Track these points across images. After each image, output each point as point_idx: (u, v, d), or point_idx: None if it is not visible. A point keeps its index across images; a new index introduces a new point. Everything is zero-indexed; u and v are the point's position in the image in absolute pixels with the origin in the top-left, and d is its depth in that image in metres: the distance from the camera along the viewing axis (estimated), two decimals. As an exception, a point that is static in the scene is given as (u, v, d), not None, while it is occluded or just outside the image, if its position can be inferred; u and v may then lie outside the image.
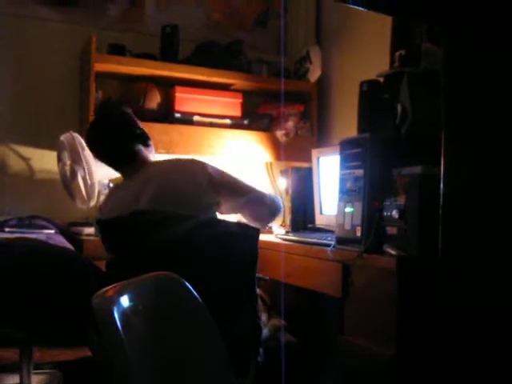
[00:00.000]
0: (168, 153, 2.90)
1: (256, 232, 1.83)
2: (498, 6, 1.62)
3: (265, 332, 2.00)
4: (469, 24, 1.66)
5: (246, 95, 3.24)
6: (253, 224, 2.05)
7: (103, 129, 2.16)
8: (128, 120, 2.19)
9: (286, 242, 2.46)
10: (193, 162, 2.08)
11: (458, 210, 1.65)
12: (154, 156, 2.20)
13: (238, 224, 1.91)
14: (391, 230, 1.88)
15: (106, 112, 2.30)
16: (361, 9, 2.07)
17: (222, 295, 1.68)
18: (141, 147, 2.13)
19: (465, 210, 1.65)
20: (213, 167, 2.05)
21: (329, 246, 2.08)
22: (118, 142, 2.13)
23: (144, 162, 2.12)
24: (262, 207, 2.10)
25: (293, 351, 2.07)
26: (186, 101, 3.03)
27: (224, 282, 1.75)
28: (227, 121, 3.13)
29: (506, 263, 1.62)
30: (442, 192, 1.63)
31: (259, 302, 2.07)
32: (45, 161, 2.94)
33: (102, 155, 2.17)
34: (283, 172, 3.12)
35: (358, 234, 1.95)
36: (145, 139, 2.16)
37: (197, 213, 1.87)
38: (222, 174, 2.06)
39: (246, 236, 1.81)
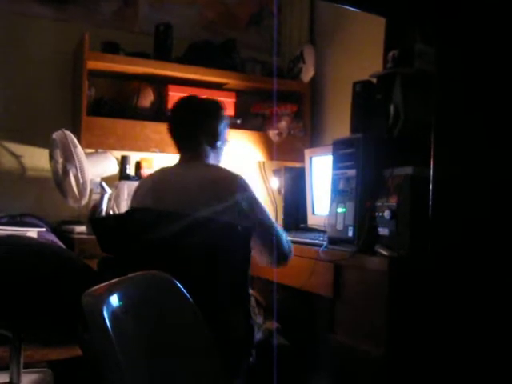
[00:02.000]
0: (161, 151, 2.90)
1: (248, 232, 1.83)
2: (491, 7, 1.62)
3: (259, 335, 1.99)
4: (462, 25, 1.67)
5: (239, 94, 3.23)
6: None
7: (184, 109, 2.15)
8: (209, 113, 2.14)
9: (278, 242, 2.45)
10: (226, 180, 1.97)
11: (448, 211, 1.65)
12: (218, 160, 2.16)
13: (231, 223, 1.90)
14: (383, 231, 1.88)
15: (199, 97, 2.25)
16: (354, 10, 2.08)
17: (213, 295, 1.67)
18: (205, 144, 2.09)
19: (455, 210, 1.65)
20: (248, 196, 1.97)
21: (321, 246, 2.09)
22: (188, 126, 2.10)
23: (200, 158, 2.08)
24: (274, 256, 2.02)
25: (285, 353, 2.06)
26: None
27: (215, 281, 1.74)
28: (220, 120, 3.12)
29: (496, 262, 1.63)
30: (431, 192, 1.63)
31: (254, 303, 2.06)
32: (37, 159, 2.93)
33: (172, 131, 2.13)
34: (276, 172, 3.12)
35: (350, 234, 1.95)
36: (213, 139, 2.11)
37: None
38: (253, 208, 1.97)
39: (239, 236, 1.81)
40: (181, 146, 2.12)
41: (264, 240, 1.96)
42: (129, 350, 1.04)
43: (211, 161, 2.10)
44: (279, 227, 2.09)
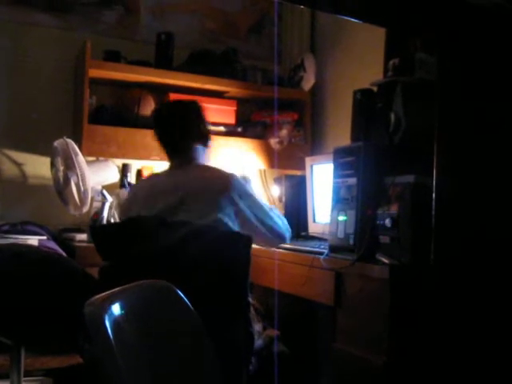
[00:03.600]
0: (162, 160, 2.89)
1: (248, 239, 1.83)
2: (491, 17, 1.63)
3: (259, 342, 1.99)
4: (462, 34, 1.67)
5: (240, 103, 3.24)
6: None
7: (168, 114, 2.18)
8: (193, 115, 2.17)
9: (279, 250, 2.45)
10: (221, 178, 2.02)
11: (450, 219, 1.65)
12: (207, 159, 2.20)
13: (231, 231, 1.90)
14: (384, 239, 1.88)
15: (179, 100, 2.27)
16: (355, 21, 2.08)
17: (213, 303, 1.67)
18: (194, 145, 2.12)
19: (456, 219, 1.65)
20: (240, 189, 2.01)
21: (322, 254, 2.08)
22: (175, 131, 2.13)
23: (191, 160, 2.11)
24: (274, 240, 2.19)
25: (285, 361, 2.06)
26: (181, 108, 3.03)
27: (216, 289, 1.74)
28: (221, 128, 3.13)
29: (498, 270, 1.63)
30: (434, 201, 1.63)
31: (252, 311, 2.06)
32: (38, 166, 2.93)
33: (159, 138, 2.16)
34: (277, 180, 3.12)
35: (351, 242, 1.94)
36: (202, 139, 2.14)
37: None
38: (246, 199, 2.02)
39: (239, 243, 1.81)
40: (170, 153, 2.16)
41: (262, 224, 2.07)
42: (130, 359, 1.04)
43: (202, 161, 2.14)
44: (275, 211, 2.19)
